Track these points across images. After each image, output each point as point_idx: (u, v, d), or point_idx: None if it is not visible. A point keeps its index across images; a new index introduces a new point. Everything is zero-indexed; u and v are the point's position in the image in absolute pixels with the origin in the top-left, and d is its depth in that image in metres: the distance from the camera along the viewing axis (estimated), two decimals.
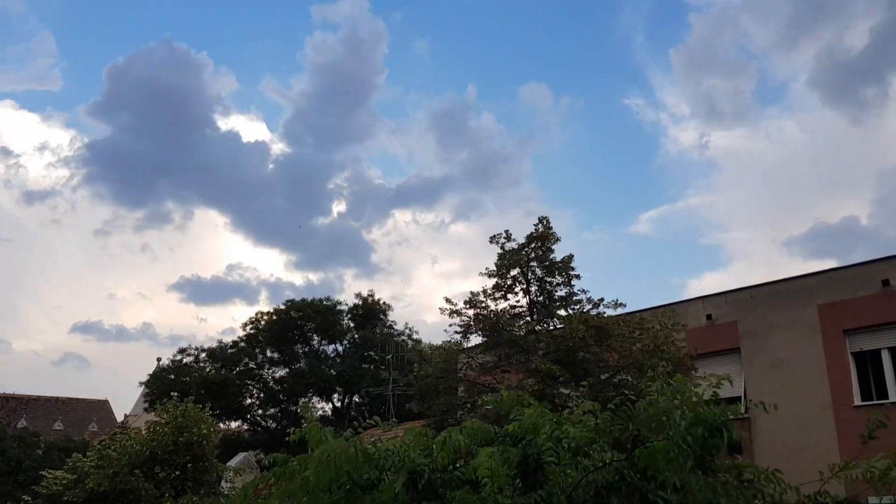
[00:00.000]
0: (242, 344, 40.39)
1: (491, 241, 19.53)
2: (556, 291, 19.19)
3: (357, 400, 41.34)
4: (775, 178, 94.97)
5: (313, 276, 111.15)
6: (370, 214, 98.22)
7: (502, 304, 19.08)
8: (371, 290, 42.82)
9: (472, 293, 19.34)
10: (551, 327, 18.47)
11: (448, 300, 19.42)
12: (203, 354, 40.08)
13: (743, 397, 20.18)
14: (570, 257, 19.09)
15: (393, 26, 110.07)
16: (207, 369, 39.24)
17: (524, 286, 19.13)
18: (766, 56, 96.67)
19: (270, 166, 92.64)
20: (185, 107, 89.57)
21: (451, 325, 19.32)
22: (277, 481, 5.04)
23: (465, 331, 19.21)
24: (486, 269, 19.31)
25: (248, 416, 41.08)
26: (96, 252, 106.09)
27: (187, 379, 37.13)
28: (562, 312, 18.37)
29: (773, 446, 17.63)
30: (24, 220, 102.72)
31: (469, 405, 18.12)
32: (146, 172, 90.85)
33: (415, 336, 41.81)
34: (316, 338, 41.76)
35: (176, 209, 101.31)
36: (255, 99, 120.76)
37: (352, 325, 42.02)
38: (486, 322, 18.59)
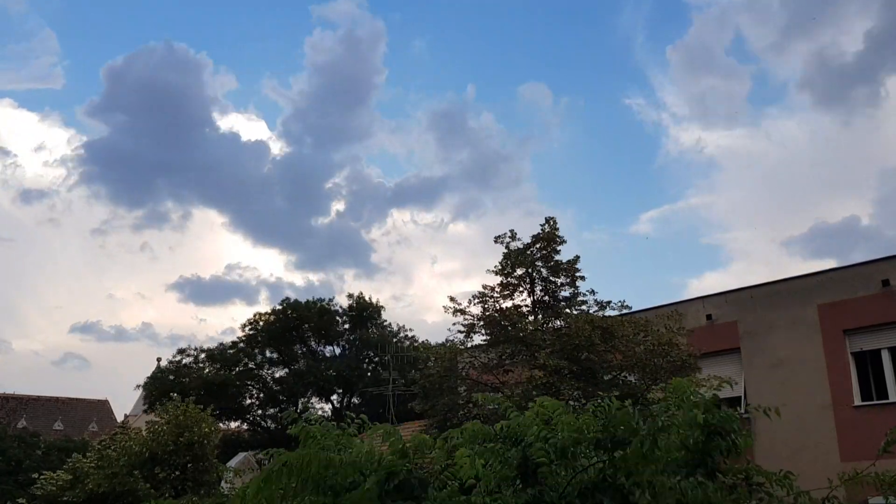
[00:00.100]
0: (242, 344, 40.42)
1: (496, 241, 19.59)
2: (561, 292, 19.25)
3: (356, 401, 41.35)
4: (776, 178, 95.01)
5: (313, 277, 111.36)
6: (370, 214, 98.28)
7: (507, 304, 19.15)
8: (360, 292, 42.69)
9: (483, 287, 19.32)
10: (556, 326, 18.52)
11: (452, 298, 19.48)
12: (202, 355, 40.11)
13: (743, 397, 20.19)
14: (576, 258, 19.18)
15: (392, 26, 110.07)
16: (207, 370, 39.26)
17: (529, 286, 19.18)
18: (766, 56, 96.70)
19: (270, 166, 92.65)
20: (183, 106, 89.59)
21: (454, 324, 19.37)
22: (265, 482, 5.07)
23: (469, 330, 19.24)
24: (494, 267, 19.34)
25: (248, 417, 41.11)
26: (95, 252, 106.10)
27: (187, 380, 37.15)
28: (569, 312, 18.44)
29: (773, 446, 17.60)
30: (22, 220, 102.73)
31: (471, 405, 18.14)
32: (145, 172, 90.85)
33: (410, 334, 41.86)
34: (314, 338, 41.79)
35: (175, 209, 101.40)
36: (255, 98, 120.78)
37: (347, 325, 42.03)
38: (493, 319, 18.63)
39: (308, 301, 40.86)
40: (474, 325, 19.14)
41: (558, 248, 19.13)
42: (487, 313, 18.90)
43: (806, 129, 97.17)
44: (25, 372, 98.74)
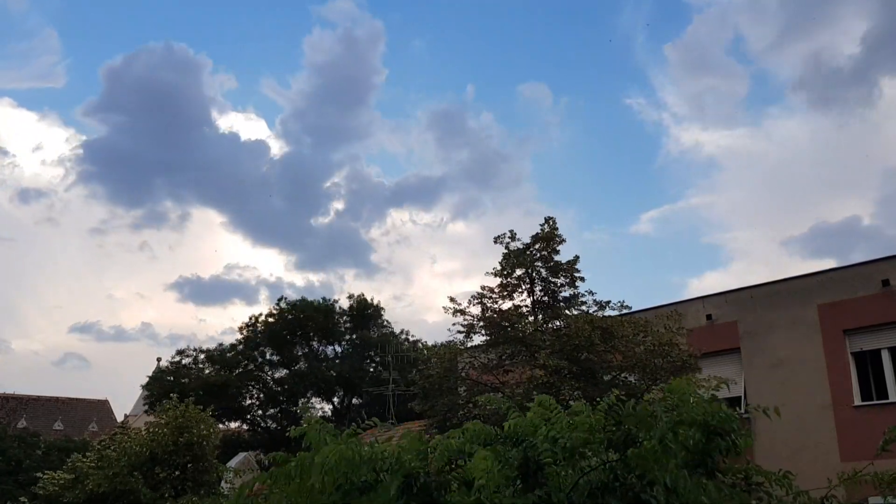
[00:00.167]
0: (241, 346, 40.38)
1: (496, 242, 19.57)
2: (561, 292, 19.24)
3: (357, 401, 41.34)
4: (776, 177, 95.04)
5: (313, 277, 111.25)
6: (369, 214, 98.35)
7: (507, 304, 19.14)
8: (361, 293, 42.69)
9: (481, 287, 19.33)
10: (556, 326, 18.51)
11: (452, 299, 19.47)
12: (202, 356, 40.08)
13: (743, 397, 20.19)
14: (576, 259, 19.16)
15: (391, 25, 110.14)
16: (207, 371, 39.24)
17: (529, 286, 19.17)
18: (766, 56, 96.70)
19: (269, 166, 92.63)
20: (182, 106, 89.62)
21: (454, 325, 19.36)
22: (274, 483, 5.03)
23: (469, 330, 19.23)
24: (494, 268, 19.33)
25: (248, 417, 41.09)
26: (95, 252, 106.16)
27: (187, 380, 37.13)
28: (568, 312, 18.44)
29: (773, 446, 17.60)
30: (20, 220, 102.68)
31: (471, 405, 18.13)
32: (144, 171, 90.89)
33: (412, 337, 41.81)
34: (315, 339, 41.75)
35: (174, 209, 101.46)
36: (254, 98, 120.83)
37: (348, 325, 42.01)
38: (492, 319, 18.61)
39: (309, 301, 40.87)
40: (474, 325, 19.13)
41: (558, 249, 19.13)
42: (487, 314, 18.90)
43: (806, 129, 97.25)
44: (25, 372, 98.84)
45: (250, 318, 40.80)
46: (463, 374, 19.39)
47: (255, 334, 40.21)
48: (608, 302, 18.73)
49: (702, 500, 4.29)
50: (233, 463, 32.88)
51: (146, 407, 37.36)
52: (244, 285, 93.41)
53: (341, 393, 41.16)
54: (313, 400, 40.66)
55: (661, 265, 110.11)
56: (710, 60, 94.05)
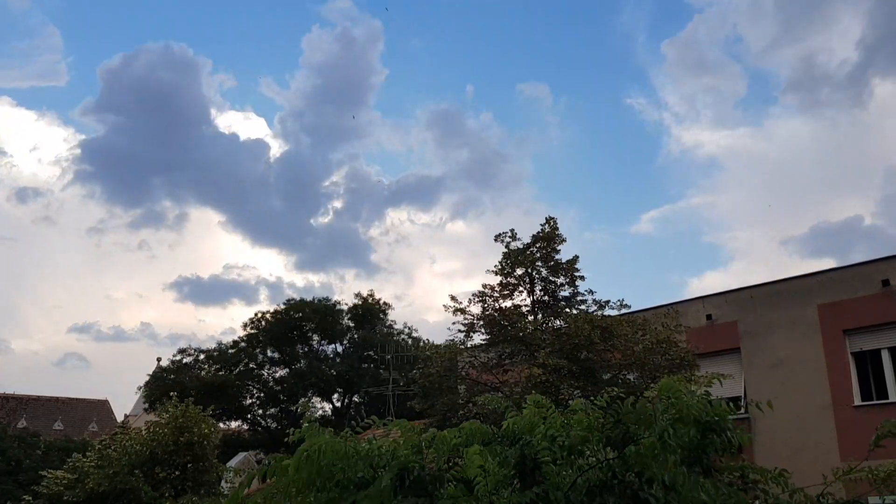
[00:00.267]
0: (243, 344, 40.42)
1: (496, 240, 19.65)
2: (561, 292, 19.28)
3: (357, 400, 41.37)
4: (777, 177, 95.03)
5: (314, 277, 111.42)
6: (369, 213, 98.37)
7: (507, 303, 19.18)
8: (371, 290, 42.83)
9: (483, 285, 19.37)
10: (557, 326, 18.55)
11: (453, 297, 19.52)
12: (202, 355, 40.11)
13: (743, 397, 20.19)
14: (576, 258, 19.21)
15: (391, 25, 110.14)
16: (207, 370, 39.26)
17: (529, 286, 19.21)
18: (767, 56, 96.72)
19: (270, 165, 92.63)
20: (181, 105, 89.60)
21: (454, 323, 19.40)
22: (270, 479, 5.04)
23: (469, 329, 19.27)
24: (494, 267, 19.38)
25: (248, 416, 41.11)
26: (94, 252, 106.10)
27: (187, 379, 37.15)
28: (568, 311, 18.48)
29: (773, 446, 17.62)
30: (19, 219, 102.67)
31: (471, 404, 18.16)
32: (142, 171, 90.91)
33: (414, 335, 41.84)
34: (315, 338, 41.78)
35: (173, 208, 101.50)
36: (252, 97, 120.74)
37: (351, 325, 42.05)
38: (492, 318, 18.65)
39: (313, 300, 40.93)
40: (474, 324, 19.18)
41: (558, 248, 19.18)
42: (487, 312, 18.94)
43: (807, 129, 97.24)
44: (25, 372, 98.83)
45: (255, 315, 40.93)
46: (463, 374, 19.43)
47: (258, 332, 40.26)
48: (607, 301, 18.84)
49: (700, 498, 4.30)
50: (233, 463, 32.89)
51: (146, 407, 37.38)
52: (244, 285, 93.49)
53: (341, 392, 41.18)
54: (313, 399, 40.68)
55: (662, 265, 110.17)
56: (710, 60, 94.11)
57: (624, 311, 18.89)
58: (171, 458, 18.73)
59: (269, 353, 41.08)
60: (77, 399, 64.79)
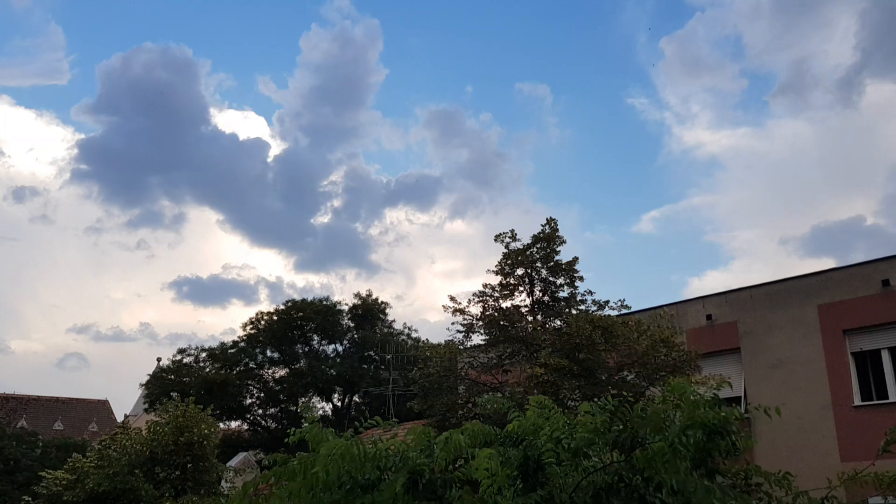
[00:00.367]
0: (242, 344, 40.41)
1: (496, 240, 19.68)
2: (560, 292, 19.31)
3: (357, 400, 41.36)
4: (779, 177, 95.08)
5: (314, 277, 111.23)
6: (368, 213, 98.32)
7: (507, 303, 19.20)
8: (370, 291, 42.82)
9: (483, 285, 19.41)
10: (556, 326, 18.57)
11: (452, 298, 19.54)
12: (203, 354, 40.10)
13: (743, 397, 20.21)
14: (575, 259, 19.25)
15: (390, 24, 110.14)
16: (207, 369, 39.24)
17: (528, 286, 19.23)
18: (768, 56, 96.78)
19: (267, 164, 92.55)
20: (180, 105, 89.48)
21: (453, 324, 19.42)
22: (278, 480, 5.02)
23: (468, 329, 19.28)
24: (494, 267, 19.42)
25: (248, 416, 41.09)
26: (94, 252, 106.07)
27: (187, 379, 37.14)
28: (569, 312, 18.50)
29: (773, 447, 17.63)
30: (18, 219, 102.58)
31: (470, 405, 18.18)
32: (142, 171, 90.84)
33: (414, 335, 41.83)
34: (316, 338, 41.78)
35: (172, 208, 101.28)
36: (251, 97, 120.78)
37: (351, 325, 42.05)
38: (492, 318, 18.67)
39: (314, 300, 40.94)
40: (473, 324, 19.20)
41: (558, 249, 19.20)
42: (487, 313, 18.96)
43: (808, 129, 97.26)
44: (25, 372, 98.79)
45: (256, 314, 40.97)
46: (463, 374, 19.44)
47: (258, 332, 40.26)
48: (607, 302, 18.87)
49: (709, 503, 4.28)
50: (233, 463, 32.92)
51: (146, 406, 37.36)
52: (243, 285, 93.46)
53: (341, 392, 41.17)
54: (313, 399, 40.67)
55: (662, 265, 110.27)
56: (711, 59, 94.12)
57: (624, 311, 18.93)
58: (171, 458, 18.72)
59: (269, 353, 41.06)
60: (77, 399, 64.75)
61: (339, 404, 41.34)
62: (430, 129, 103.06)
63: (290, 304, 40.82)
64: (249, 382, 40.30)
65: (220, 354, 39.75)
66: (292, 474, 4.80)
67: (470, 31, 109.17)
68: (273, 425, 40.55)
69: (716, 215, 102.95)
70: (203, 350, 40.30)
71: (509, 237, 19.51)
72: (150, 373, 39.92)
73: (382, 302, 42.77)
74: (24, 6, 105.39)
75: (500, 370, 18.55)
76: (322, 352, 41.67)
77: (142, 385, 39.52)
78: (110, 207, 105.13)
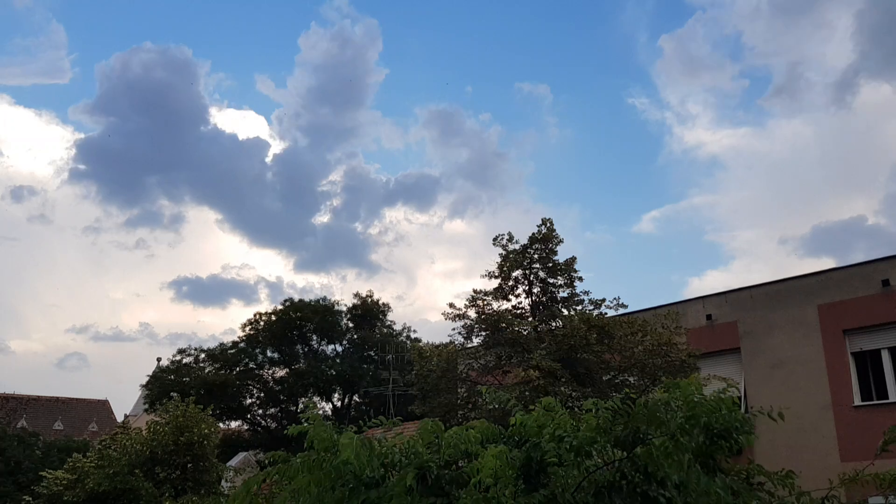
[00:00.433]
0: (242, 344, 40.42)
1: (494, 243, 19.65)
2: (559, 293, 19.29)
3: (357, 400, 41.38)
4: (780, 176, 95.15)
5: (314, 277, 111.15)
6: (369, 213, 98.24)
7: (505, 305, 19.20)
8: (370, 291, 42.83)
9: (473, 291, 19.45)
10: (553, 327, 18.55)
11: (452, 305, 19.60)
12: (203, 355, 40.11)
13: (743, 397, 20.22)
14: (573, 259, 19.22)
15: (390, 24, 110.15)
16: (207, 369, 39.26)
17: (526, 287, 19.22)
18: (769, 55, 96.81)
19: (267, 164, 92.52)
20: (179, 104, 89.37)
21: (453, 329, 19.48)
22: (280, 478, 5.02)
23: (468, 334, 19.31)
24: (488, 271, 19.44)
25: (248, 416, 41.11)
26: (93, 251, 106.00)
27: (187, 379, 37.16)
28: (565, 312, 18.48)
29: (773, 447, 17.62)
30: (18, 219, 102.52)
31: (470, 405, 18.19)
32: (141, 171, 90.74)
33: (414, 335, 41.85)
34: (315, 338, 41.80)
35: (172, 208, 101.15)
36: (251, 97, 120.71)
37: (351, 325, 42.07)
38: (488, 321, 18.67)
39: (313, 300, 41.01)
40: (472, 328, 19.23)
41: (555, 249, 19.18)
42: (483, 315, 18.95)
43: (810, 129, 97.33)
44: (25, 372, 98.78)
45: (255, 315, 40.98)
46: (462, 375, 19.45)
47: (258, 332, 40.27)
48: (602, 300, 18.82)
49: (713, 497, 4.29)
50: (233, 463, 32.94)
51: (146, 406, 37.37)
52: (243, 285, 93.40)
53: (341, 392, 41.20)
54: (313, 399, 40.66)
55: (663, 264, 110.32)
56: (711, 60, 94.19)
57: (621, 310, 18.91)
58: (171, 458, 18.74)
59: (269, 353, 41.07)
60: (77, 399, 64.75)
61: (339, 404, 41.36)
62: (430, 129, 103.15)
63: (289, 304, 40.83)
64: (249, 382, 40.30)
65: (219, 355, 39.76)
66: (296, 471, 4.79)
67: (470, 31, 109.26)
68: (273, 425, 40.56)
69: (716, 215, 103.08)
70: (203, 350, 40.31)
71: (507, 239, 19.51)
72: (150, 373, 39.94)
73: (383, 303, 42.83)
74: (24, 5, 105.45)
75: (499, 371, 18.55)
76: (322, 352, 41.69)
77: (142, 385, 39.54)
78: (108, 207, 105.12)
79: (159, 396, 34.52)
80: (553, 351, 17.03)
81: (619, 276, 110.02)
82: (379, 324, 42.17)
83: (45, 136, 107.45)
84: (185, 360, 39.86)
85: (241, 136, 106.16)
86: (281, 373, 40.87)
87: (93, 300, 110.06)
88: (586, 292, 19.06)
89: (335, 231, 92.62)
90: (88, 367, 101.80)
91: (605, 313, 18.36)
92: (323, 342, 41.86)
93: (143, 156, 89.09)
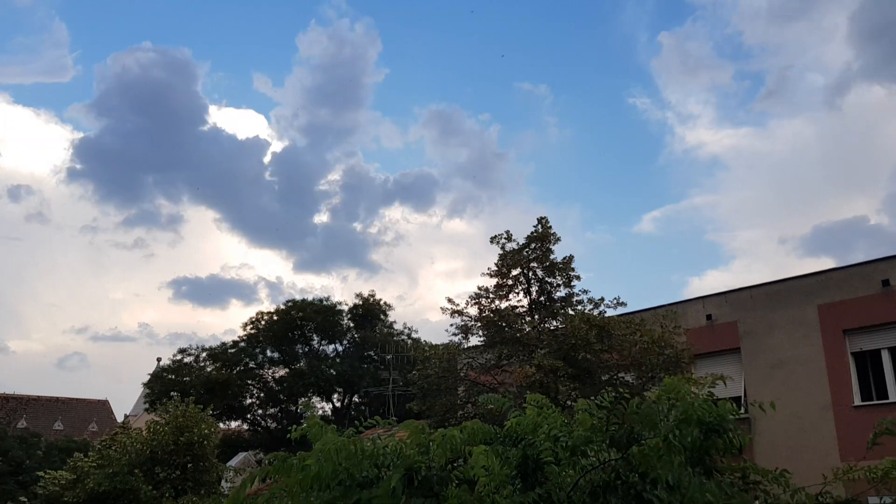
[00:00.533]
0: (242, 344, 40.44)
1: (492, 242, 19.68)
2: (557, 292, 19.33)
3: (357, 400, 41.39)
4: (781, 176, 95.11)
5: (314, 277, 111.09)
6: (368, 212, 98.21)
7: (504, 304, 19.23)
8: (372, 291, 42.81)
9: (477, 288, 19.49)
10: (553, 326, 18.59)
11: (450, 300, 19.60)
12: (203, 354, 40.12)
13: (743, 397, 20.21)
14: (570, 258, 19.26)
15: (389, 23, 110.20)
16: (207, 369, 39.28)
17: (525, 286, 19.25)
18: (770, 55, 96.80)
19: (266, 164, 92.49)
20: (178, 104, 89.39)
21: (452, 325, 19.50)
22: (274, 477, 5.03)
23: (467, 331, 19.33)
24: (488, 269, 19.47)
25: (249, 416, 41.12)
26: (92, 251, 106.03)
27: (188, 379, 37.19)
28: (565, 312, 18.51)
29: (773, 446, 17.63)
30: (16, 217, 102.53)
31: (470, 405, 18.21)
32: (140, 170, 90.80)
33: (414, 335, 41.84)
34: (316, 338, 41.81)
35: (170, 208, 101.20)
36: (250, 96, 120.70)
37: (351, 325, 42.08)
38: (489, 320, 18.70)
39: (314, 300, 41.00)
40: (470, 326, 19.25)
41: (552, 248, 19.20)
42: (484, 314, 18.99)
43: (811, 129, 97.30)
44: (25, 372, 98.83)
45: (256, 314, 41.01)
46: (462, 374, 19.47)
47: (258, 332, 40.29)
48: (602, 299, 18.85)
49: (705, 499, 4.30)
50: (233, 463, 32.96)
51: (146, 406, 37.40)
52: (243, 285, 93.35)
53: (341, 392, 41.21)
54: (313, 399, 40.69)
55: (663, 264, 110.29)
56: (712, 60, 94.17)
57: (620, 309, 18.95)
58: (171, 458, 18.76)
59: (269, 353, 41.08)
60: (77, 399, 64.80)
61: (339, 404, 41.37)
62: (429, 129, 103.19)
63: (290, 304, 40.85)
64: (249, 382, 40.32)
65: (220, 354, 39.77)
66: (287, 470, 4.80)
67: (470, 31, 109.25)
68: (273, 425, 40.57)
69: (717, 215, 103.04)
70: (203, 350, 40.33)
71: (505, 238, 19.54)
72: (151, 372, 39.97)
73: (384, 303, 42.83)
74: (26, 3, 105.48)
75: (499, 370, 18.57)
76: (322, 352, 41.69)
77: (144, 384, 39.56)
78: (105, 207, 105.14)
79: (160, 395, 34.53)
80: (554, 350, 17.06)
81: (620, 275, 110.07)
82: (379, 324, 42.17)
83: (43, 135, 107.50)
84: (185, 360, 39.90)
85: (240, 136, 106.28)
86: (281, 373, 40.88)
87: (92, 300, 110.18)
88: (585, 291, 19.13)
89: (335, 231, 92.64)
90: (88, 367, 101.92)
91: (605, 312, 18.40)
92: (323, 342, 41.87)
93: (142, 155, 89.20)
